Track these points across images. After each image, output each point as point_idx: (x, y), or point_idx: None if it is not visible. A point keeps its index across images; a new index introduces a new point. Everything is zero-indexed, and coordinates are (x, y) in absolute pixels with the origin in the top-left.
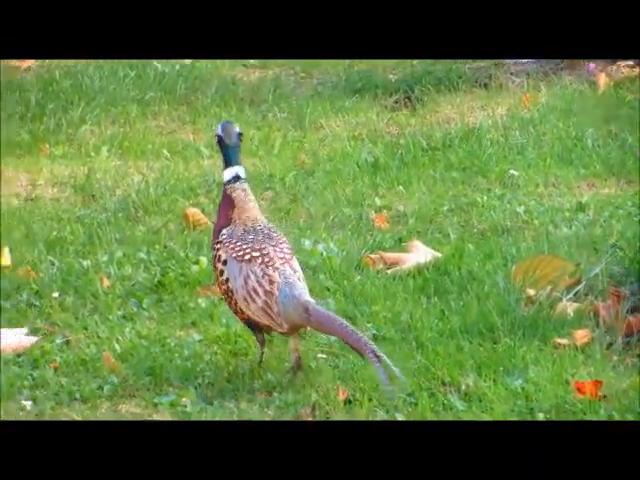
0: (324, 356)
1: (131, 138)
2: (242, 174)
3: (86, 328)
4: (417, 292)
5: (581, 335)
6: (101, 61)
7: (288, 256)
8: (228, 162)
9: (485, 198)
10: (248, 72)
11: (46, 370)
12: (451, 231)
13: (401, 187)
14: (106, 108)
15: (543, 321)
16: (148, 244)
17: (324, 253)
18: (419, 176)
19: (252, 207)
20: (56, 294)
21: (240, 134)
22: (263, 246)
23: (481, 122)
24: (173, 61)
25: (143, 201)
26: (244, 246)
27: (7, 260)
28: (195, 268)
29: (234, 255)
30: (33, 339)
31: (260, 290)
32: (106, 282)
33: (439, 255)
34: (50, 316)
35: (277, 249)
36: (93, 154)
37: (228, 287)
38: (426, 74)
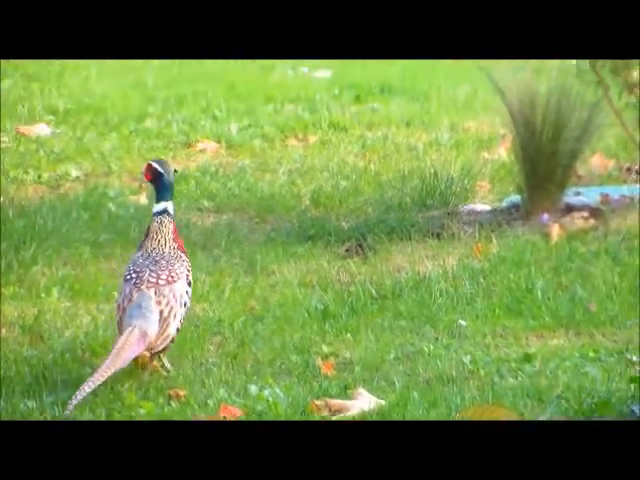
0: None
1: (82, 280)
2: (170, 210)
3: None
4: None
5: None
6: (56, 202)
7: (162, 282)
8: (163, 197)
9: (432, 347)
10: (202, 217)
11: None
12: (396, 379)
13: (349, 335)
14: (58, 249)
15: None
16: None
17: (270, 399)
18: (367, 324)
19: (161, 238)
20: None
21: (175, 171)
22: (143, 269)
23: (431, 272)
24: (127, 204)
25: (91, 343)
26: (131, 268)
27: None
28: (142, 412)
29: (124, 274)
30: None
31: (121, 306)
32: None
33: (383, 402)
34: None
35: (153, 274)
36: (43, 295)
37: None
38: (379, 222)
